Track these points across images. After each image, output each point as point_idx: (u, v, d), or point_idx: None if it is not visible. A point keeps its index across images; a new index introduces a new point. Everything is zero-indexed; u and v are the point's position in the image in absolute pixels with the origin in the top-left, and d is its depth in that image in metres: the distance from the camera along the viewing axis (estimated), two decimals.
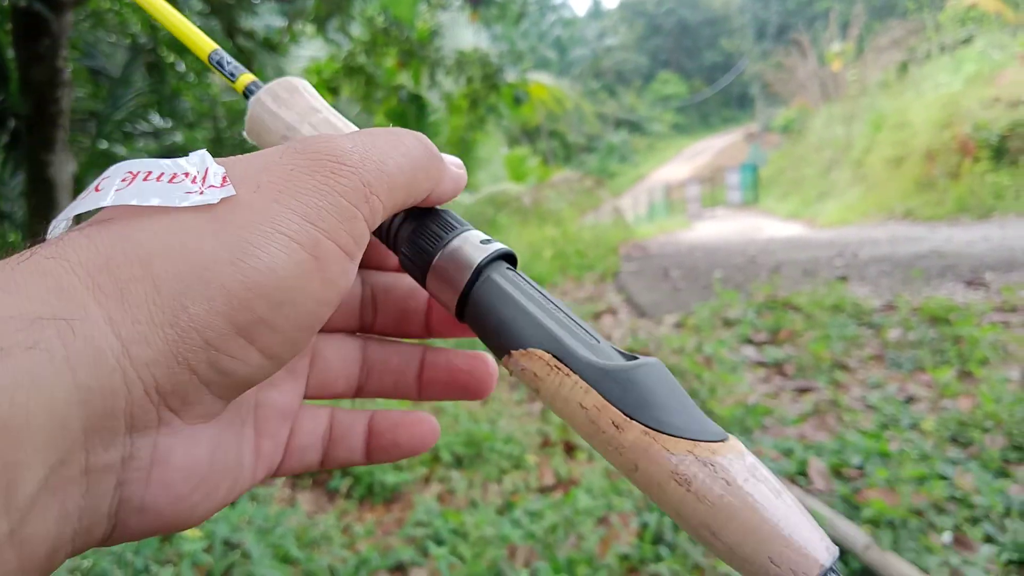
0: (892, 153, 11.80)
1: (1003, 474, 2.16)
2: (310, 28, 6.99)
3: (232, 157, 0.31)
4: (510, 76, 10.47)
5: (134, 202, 0.27)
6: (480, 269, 0.35)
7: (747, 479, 0.27)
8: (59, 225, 0.29)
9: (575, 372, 0.31)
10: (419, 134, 0.35)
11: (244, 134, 0.42)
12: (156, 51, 5.57)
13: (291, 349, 0.28)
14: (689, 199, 20.19)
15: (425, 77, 9.21)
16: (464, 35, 10.80)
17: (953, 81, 11.70)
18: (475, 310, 0.35)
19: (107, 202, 0.27)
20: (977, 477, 2.11)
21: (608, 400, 0.30)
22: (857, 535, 1.84)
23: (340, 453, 0.40)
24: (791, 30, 31.47)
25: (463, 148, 11.22)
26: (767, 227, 12.61)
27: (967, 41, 13.30)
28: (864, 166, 13.11)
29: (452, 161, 0.38)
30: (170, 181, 0.28)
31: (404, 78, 9.94)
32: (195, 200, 0.27)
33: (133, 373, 0.24)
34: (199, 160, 0.30)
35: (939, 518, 1.94)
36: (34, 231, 4.34)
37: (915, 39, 15.95)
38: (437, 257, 0.35)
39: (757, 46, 41.32)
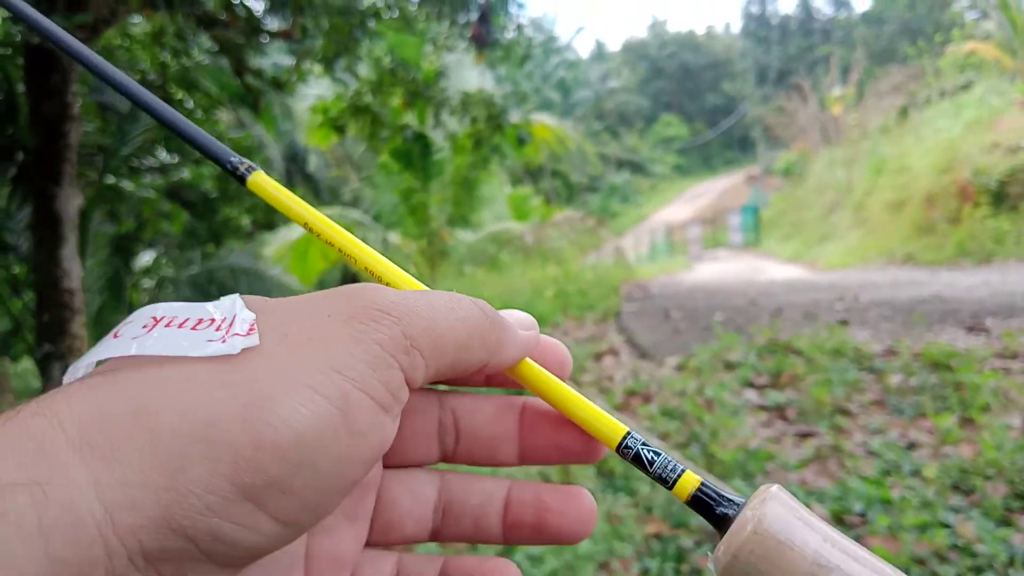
0: (892, 197, 11.86)
1: (1005, 523, 2.15)
2: (318, 67, 7.06)
3: (268, 300, 0.29)
4: (514, 117, 10.57)
5: (154, 352, 0.25)
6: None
7: None
8: (78, 372, 0.27)
9: None
10: (481, 302, 0.32)
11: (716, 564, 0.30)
12: (165, 87, 5.64)
13: (313, 514, 0.25)
14: (690, 240, 20.25)
15: (430, 117, 9.30)
16: (469, 76, 10.93)
17: (953, 126, 11.81)
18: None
19: (124, 351, 0.26)
20: (979, 525, 2.10)
21: None
22: None
23: None
24: (792, 75, 31.83)
25: (466, 187, 11.28)
26: (768, 269, 12.63)
27: (966, 87, 13.46)
28: (865, 210, 13.17)
29: (520, 321, 0.34)
30: (194, 328, 0.26)
31: (410, 117, 10.05)
32: (214, 350, 0.25)
33: (116, 541, 0.21)
34: (229, 305, 0.28)
35: (941, 567, 1.93)
36: (38, 264, 4.36)
37: (915, 84, 16.14)
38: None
39: (758, 90, 41.71)
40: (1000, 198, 9.45)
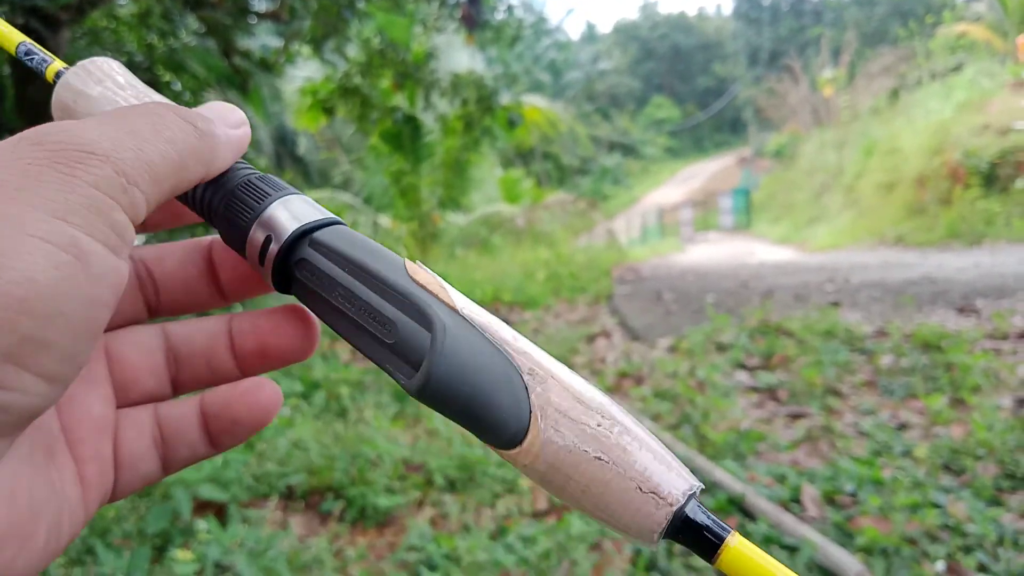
0: (883, 179, 11.88)
1: (996, 503, 2.17)
2: (306, 49, 7.01)
3: None
4: (504, 98, 10.53)
5: None
6: (293, 244, 0.32)
7: (550, 478, 0.27)
8: None
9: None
10: (186, 111, 0.31)
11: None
12: (152, 70, 5.58)
13: (74, 365, 0.25)
14: (682, 223, 20.26)
15: (420, 99, 9.26)
16: (459, 57, 10.85)
17: (943, 108, 11.82)
18: (298, 295, 0.33)
19: None
20: (970, 505, 2.12)
21: None
22: (850, 563, 1.84)
23: (180, 452, 0.35)
24: (783, 56, 31.78)
25: (457, 169, 11.24)
26: (759, 251, 12.66)
27: (957, 69, 13.45)
28: (855, 191, 13.19)
29: (226, 119, 0.33)
30: None
31: (399, 99, 9.99)
32: None
33: None
34: None
35: (932, 547, 1.94)
36: None
37: (906, 66, 16.13)
38: (250, 232, 0.32)
39: (750, 72, 41.67)
40: (991, 180, 9.47)
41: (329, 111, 8.86)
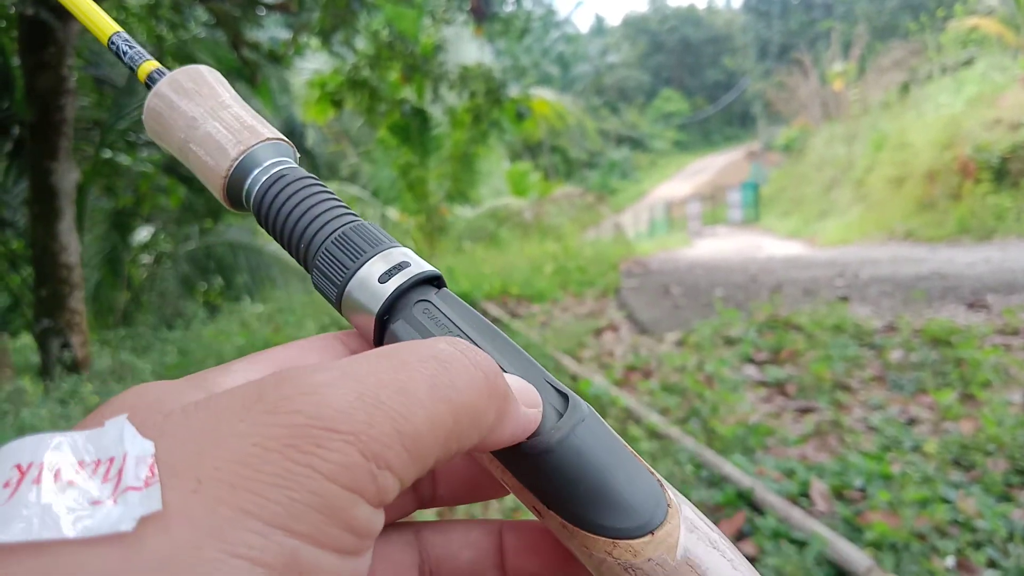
0: (893, 173, 11.83)
1: (1006, 498, 2.16)
2: (315, 41, 7.01)
3: (164, 415, 0.21)
4: (513, 91, 10.52)
5: (18, 539, 0.17)
6: (392, 305, 0.29)
7: (689, 558, 0.24)
8: None
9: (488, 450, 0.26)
10: (482, 357, 0.24)
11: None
12: (161, 61, 5.59)
13: None
14: (690, 216, 20.22)
15: (428, 91, 9.26)
16: (468, 50, 10.84)
17: (954, 102, 11.76)
18: None
19: None
20: (980, 501, 2.11)
21: (524, 485, 0.26)
22: (859, 558, 1.83)
23: None
24: (793, 49, 31.65)
25: (465, 162, 11.23)
26: (768, 245, 12.62)
27: (968, 63, 13.37)
28: (865, 186, 13.14)
29: (524, 397, 0.26)
30: (71, 482, 0.18)
31: (408, 92, 9.99)
32: (99, 524, 0.18)
33: None
34: (116, 435, 0.20)
35: (942, 542, 1.93)
36: (35, 239, 4.34)
37: (917, 60, 16.06)
38: (345, 293, 0.30)
39: (759, 65, 41.50)
40: (1001, 175, 9.42)
41: (337, 103, 8.86)
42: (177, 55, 5.70)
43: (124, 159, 5.89)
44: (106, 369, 4.38)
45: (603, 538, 0.24)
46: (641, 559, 0.24)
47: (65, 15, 3.97)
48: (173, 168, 6.46)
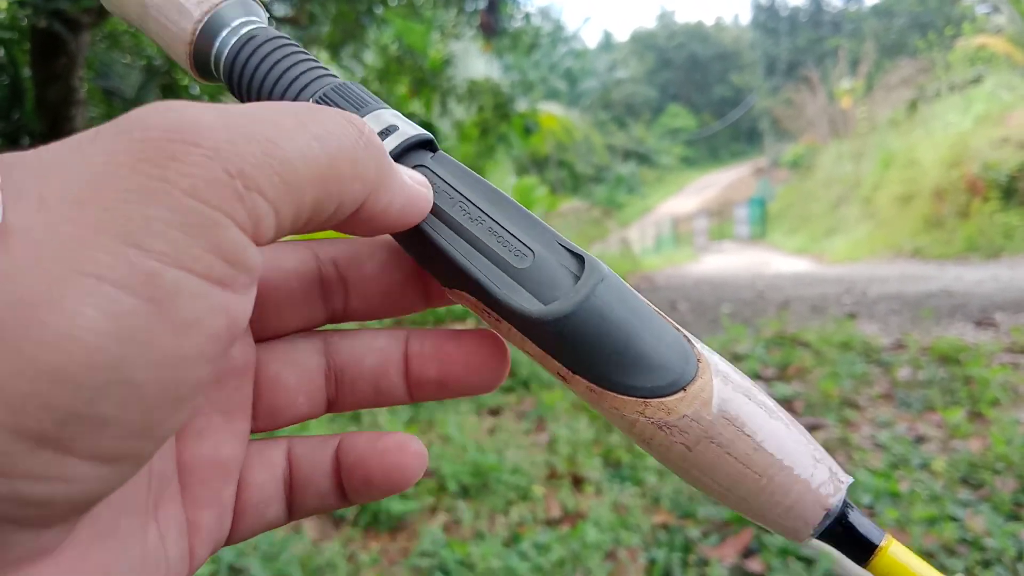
0: (901, 191, 11.81)
1: (1015, 517, 2.14)
2: (324, 54, 7.05)
3: (19, 154, 0.19)
4: (521, 106, 10.56)
5: None
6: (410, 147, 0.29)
7: (711, 434, 0.24)
8: None
9: (505, 319, 0.26)
10: (352, 115, 0.23)
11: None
12: (171, 73, 5.63)
13: (148, 439, 0.19)
14: (697, 232, 20.23)
15: (437, 105, 9.29)
16: (476, 64, 10.90)
17: (962, 120, 11.75)
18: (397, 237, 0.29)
19: None
20: (988, 520, 2.09)
21: (546, 351, 0.26)
22: None
23: (309, 500, 0.30)
24: (801, 67, 31.69)
25: None
26: (775, 262, 12.61)
27: (976, 81, 13.37)
28: (873, 203, 13.13)
29: (410, 173, 0.26)
30: None
31: (416, 106, 10.03)
32: None
33: None
34: None
35: (950, 561, 1.92)
36: None
37: (925, 78, 16.06)
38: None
39: (767, 82, 41.59)
40: (1010, 193, 9.40)
41: None
42: None
43: None
44: None
45: (633, 398, 0.24)
46: (675, 416, 0.24)
47: (77, 27, 4.00)
48: None
